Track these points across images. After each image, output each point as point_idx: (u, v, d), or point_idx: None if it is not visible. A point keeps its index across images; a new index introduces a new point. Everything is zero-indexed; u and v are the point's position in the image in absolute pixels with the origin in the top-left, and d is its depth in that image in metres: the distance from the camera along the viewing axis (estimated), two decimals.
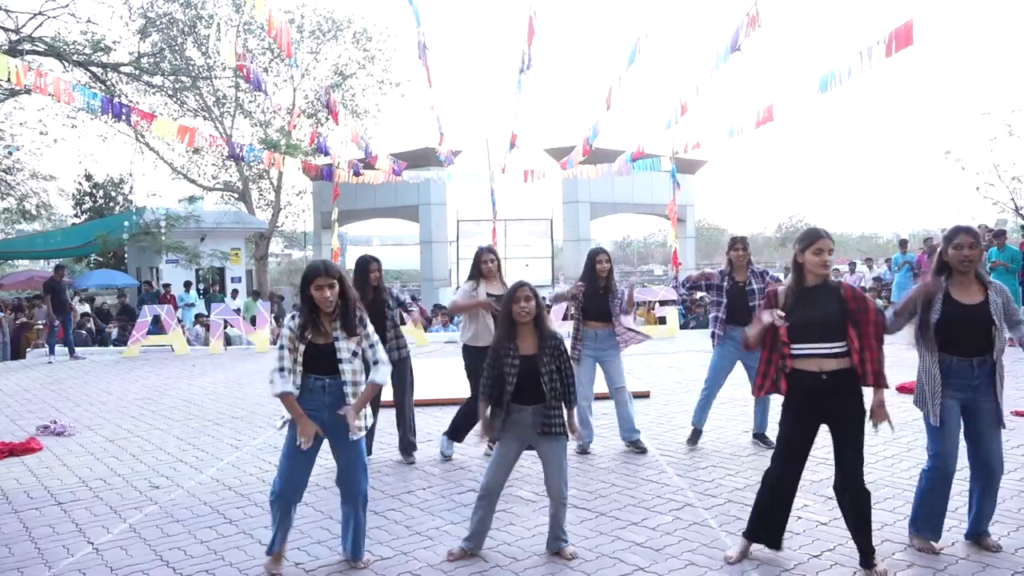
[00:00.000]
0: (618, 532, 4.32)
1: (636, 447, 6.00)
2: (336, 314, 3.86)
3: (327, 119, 22.88)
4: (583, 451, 6.03)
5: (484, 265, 6.00)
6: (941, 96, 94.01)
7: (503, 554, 4.08)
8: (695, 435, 6.16)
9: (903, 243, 16.20)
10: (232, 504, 5.04)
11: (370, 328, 3.96)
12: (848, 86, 7.19)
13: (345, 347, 3.84)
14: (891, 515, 4.43)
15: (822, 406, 3.74)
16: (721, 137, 11.29)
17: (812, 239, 3.78)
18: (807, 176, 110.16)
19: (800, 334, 3.74)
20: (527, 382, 3.96)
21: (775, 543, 3.92)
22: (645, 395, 7.94)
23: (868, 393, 3.75)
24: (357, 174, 15.25)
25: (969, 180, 23.77)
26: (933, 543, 3.94)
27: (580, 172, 15.65)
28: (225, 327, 14.37)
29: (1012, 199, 23.45)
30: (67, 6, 20.13)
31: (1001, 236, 11.77)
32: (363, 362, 3.93)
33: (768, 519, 3.89)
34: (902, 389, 7.95)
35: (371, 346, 3.92)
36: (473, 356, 5.88)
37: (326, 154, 15.44)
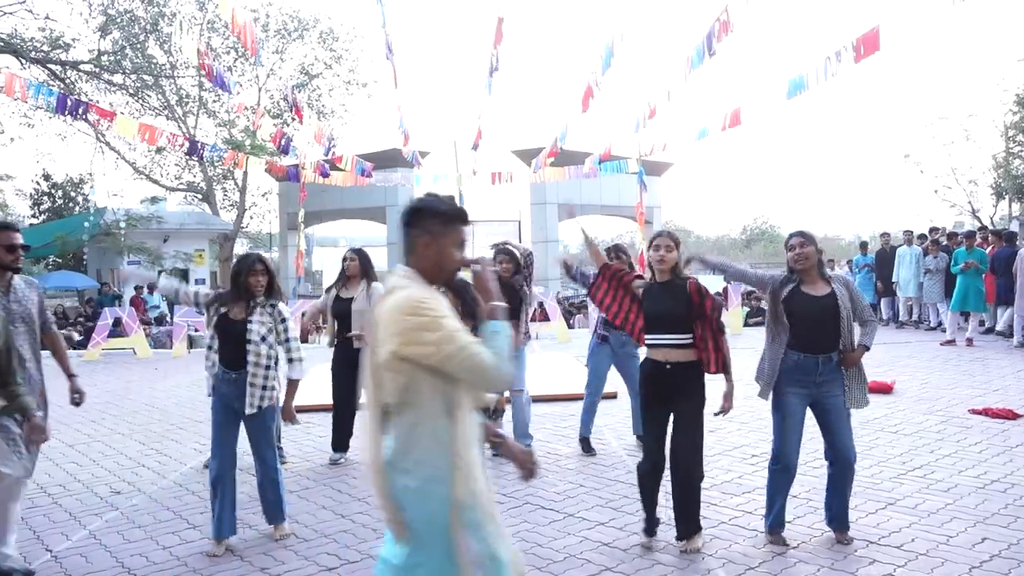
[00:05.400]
0: (586, 533, 4.34)
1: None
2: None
3: (293, 119, 22.69)
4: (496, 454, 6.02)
5: (344, 263, 6.09)
6: (900, 100, 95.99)
7: None
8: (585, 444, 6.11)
9: (864, 245, 16.49)
10: (196, 509, 4.96)
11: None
12: (815, 91, 7.27)
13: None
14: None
15: (665, 393, 4.03)
16: (689, 140, 11.38)
17: (652, 237, 4.12)
18: (771, 178, 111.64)
19: (650, 325, 4.07)
20: None
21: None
22: (613, 396, 7.97)
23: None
24: (325, 175, 15.12)
25: (928, 183, 24.36)
26: (783, 535, 4.12)
27: (548, 174, 15.68)
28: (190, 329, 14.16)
29: (969, 202, 24.04)
30: (24, 2, 19.70)
31: (971, 237, 12.16)
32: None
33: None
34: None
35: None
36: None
37: (287, 154, 15.28)
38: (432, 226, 2.31)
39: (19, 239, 4.09)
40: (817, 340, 3.95)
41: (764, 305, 16.62)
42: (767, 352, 4.10)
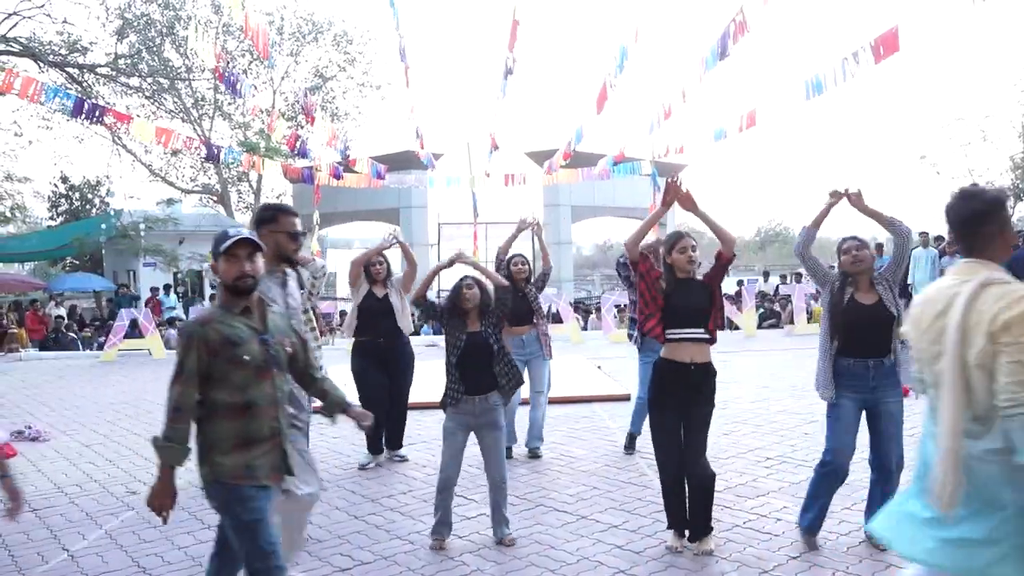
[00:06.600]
0: (599, 535, 4.33)
1: (534, 454, 6.02)
2: None
3: (307, 122, 22.83)
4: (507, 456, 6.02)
5: (372, 268, 6.05)
6: (916, 101, 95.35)
7: (485, 558, 4.08)
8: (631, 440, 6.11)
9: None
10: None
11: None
12: (833, 92, 7.20)
13: None
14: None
15: (684, 395, 4.01)
16: (704, 141, 11.33)
17: (677, 240, 4.12)
18: (786, 180, 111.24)
19: (673, 319, 4.02)
20: (473, 361, 4.16)
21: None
22: (625, 398, 7.95)
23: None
24: (338, 177, 15.19)
25: (944, 185, 24.12)
26: (812, 537, 4.08)
27: (561, 176, 15.68)
28: None
29: None
30: (42, 6, 19.95)
31: None
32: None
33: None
34: None
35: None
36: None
37: (304, 156, 15.38)
38: (1001, 217, 2.30)
39: (300, 225, 3.60)
40: (866, 348, 3.90)
41: (778, 308, 16.54)
42: (820, 358, 4.04)
